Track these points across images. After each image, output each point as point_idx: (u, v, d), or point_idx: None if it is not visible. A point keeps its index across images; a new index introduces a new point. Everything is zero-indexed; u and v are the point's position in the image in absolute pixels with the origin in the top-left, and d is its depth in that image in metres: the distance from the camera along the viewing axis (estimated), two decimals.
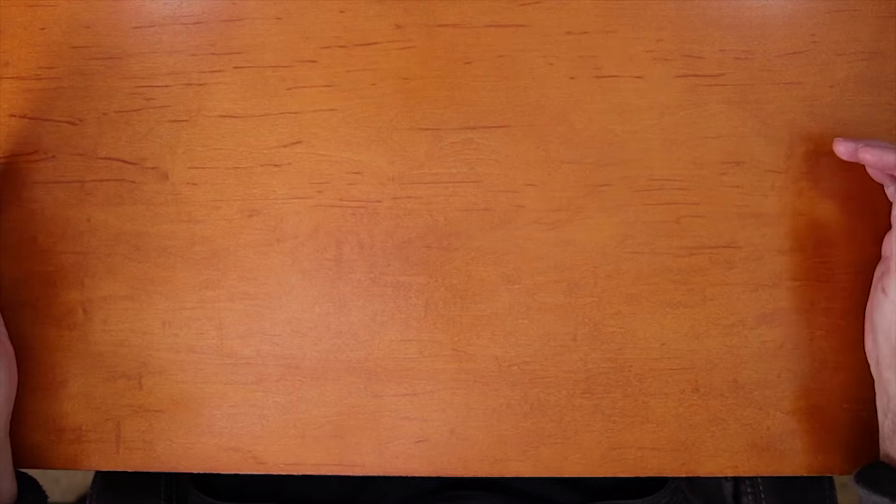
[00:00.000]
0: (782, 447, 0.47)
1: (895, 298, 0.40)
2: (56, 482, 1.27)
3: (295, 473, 0.46)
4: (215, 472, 0.47)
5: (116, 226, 0.46)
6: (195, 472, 0.48)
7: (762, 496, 0.51)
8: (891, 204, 0.42)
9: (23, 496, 0.43)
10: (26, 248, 0.46)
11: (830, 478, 0.51)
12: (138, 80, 0.45)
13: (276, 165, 0.46)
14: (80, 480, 1.27)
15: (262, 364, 0.47)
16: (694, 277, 0.46)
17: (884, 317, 0.41)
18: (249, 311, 0.46)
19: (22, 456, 0.47)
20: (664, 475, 0.46)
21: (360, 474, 0.46)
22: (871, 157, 0.39)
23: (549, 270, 0.46)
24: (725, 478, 0.53)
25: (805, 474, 0.47)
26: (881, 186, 0.45)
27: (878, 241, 0.45)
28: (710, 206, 0.45)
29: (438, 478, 0.44)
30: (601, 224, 0.46)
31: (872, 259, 0.45)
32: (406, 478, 0.46)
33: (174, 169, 0.46)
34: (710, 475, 0.45)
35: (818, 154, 0.45)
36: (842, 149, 0.41)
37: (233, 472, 0.47)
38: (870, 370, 0.46)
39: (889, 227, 0.42)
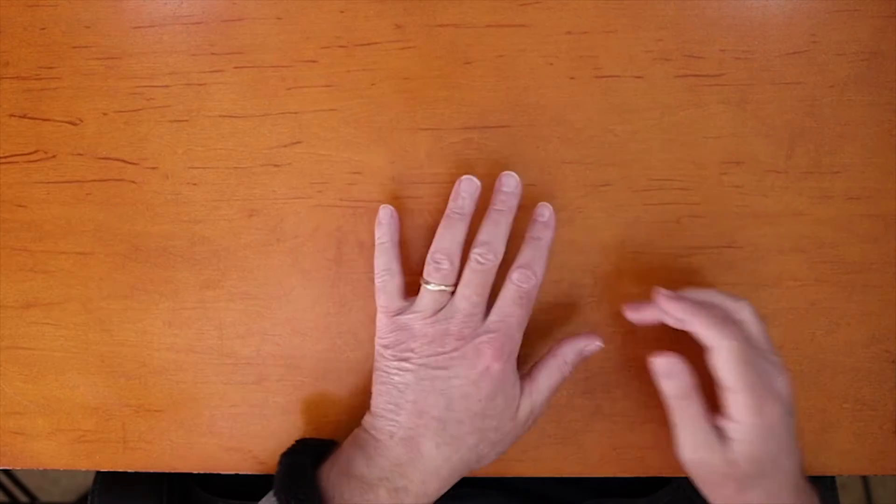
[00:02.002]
0: None
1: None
2: (56, 482, 1.27)
3: None
4: (215, 472, 0.47)
5: (116, 226, 0.46)
6: (196, 472, 0.48)
7: None
8: None
9: None
10: (26, 248, 0.46)
11: (831, 478, 0.51)
12: (138, 80, 0.45)
13: (276, 165, 0.46)
14: (81, 480, 1.27)
15: (262, 364, 0.47)
16: (694, 277, 0.46)
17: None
18: (249, 311, 0.46)
19: (23, 456, 0.48)
20: (664, 475, 0.46)
21: None
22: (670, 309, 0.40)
23: (549, 270, 0.46)
24: None
25: (805, 474, 0.47)
26: (883, 186, 0.45)
27: (878, 242, 0.45)
28: (710, 206, 0.45)
29: None
30: (601, 224, 0.46)
31: (873, 259, 0.45)
32: None
33: (174, 169, 0.46)
34: None
35: (818, 154, 0.45)
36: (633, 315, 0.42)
37: (233, 473, 0.47)
38: (871, 371, 0.46)
39: None
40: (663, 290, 0.41)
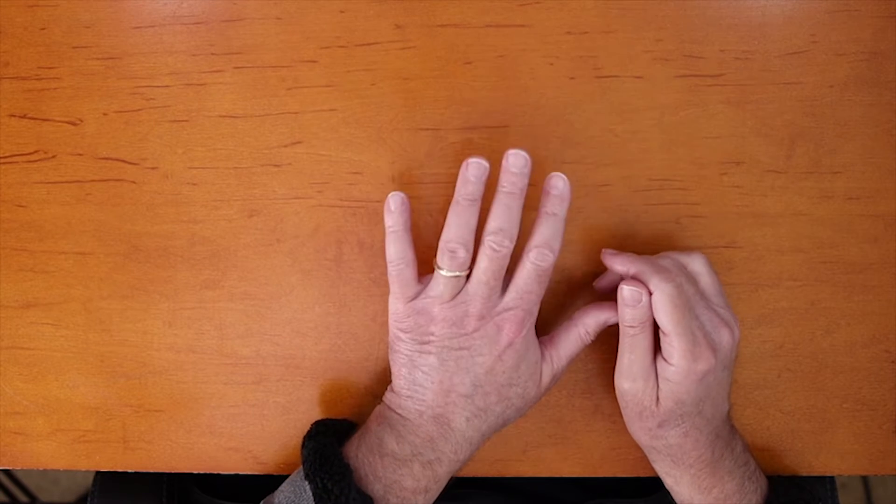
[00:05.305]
0: (782, 447, 0.47)
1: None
2: (56, 482, 1.27)
3: None
4: (215, 472, 0.47)
5: (116, 226, 0.46)
6: (195, 472, 0.48)
7: None
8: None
9: None
10: (26, 248, 0.46)
11: (831, 478, 0.51)
12: (138, 80, 0.45)
13: (276, 165, 0.46)
14: (80, 481, 1.27)
15: (263, 364, 0.47)
16: None
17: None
18: (249, 311, 0.46)
19: (23, 456, 0.48)
20: None
21: None
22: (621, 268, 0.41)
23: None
24: None
25: (805, 474, 0.47)
26: (883, 186, 0.45)
27: (878, 242, 0.45)
28: (710, 206, 0.45)
29: None
30: (601, 224, 0.45)
31: (873, 259, 0.45)
32: None
33: (174, 169, 0.46)
34: None
35: (818, 154, 0.45)
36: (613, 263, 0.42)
37: (233, 473, 0.47)
38: (871, 371, 0.46)
39: None
40: (608, 250, 0.43)
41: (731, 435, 0.42)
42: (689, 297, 0.39)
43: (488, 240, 0.40)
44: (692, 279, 0.41)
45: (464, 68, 0.45)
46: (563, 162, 0.45)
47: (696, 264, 0.42)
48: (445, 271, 0.41)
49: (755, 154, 0.45)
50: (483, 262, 0.40)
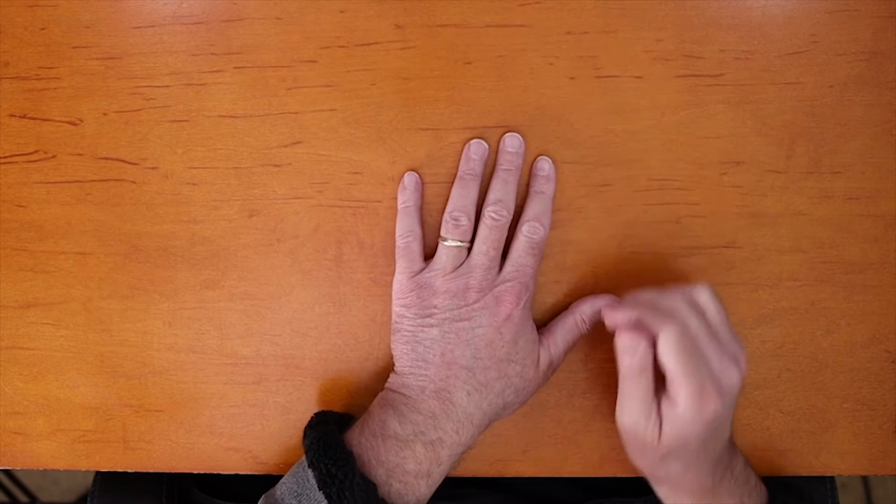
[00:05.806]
0: (782, 447, 0.47)
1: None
2: (56, 482, 1.27)
3: None
4: (215, 472, 0.47)
5: (116, 226, 0.46)
6: (195, 472, 0.48)
7: None
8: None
9: None
10: (26, 248, 0.46)
11: (831, 478, 0.51)
12: (138, 80, 0.45)
13: (276, 165, 0.46)
14: (80, 481, 1.27)
15: (263, 364, 0.47)
16: (694, 277, 0.46)
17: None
18: (250, 311, 0.46)
19: (23, 456, 0.48)
20: None
21: None
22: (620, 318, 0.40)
23: (549, 270, 0.46)
24: None
25: (805, 474, 0.47)
26: (883, 186, 0.45)
27: (878, 242, 0.45)
28: (710, 206, 0.45)
29: None
30: (601, 224, 0.45)
31: (873, 259, 0.45)
32: None
33: (174, 169, 0.46)
34: None
35: (818, 154, 0.45)
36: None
37: (233, 473, 0.47)
38: (870, 370, 0.46)
39: None
40: (606, 306, 0.42)
41: (731, 456, 0.42)
42: (694, 337, 0.38)
43: (488, 210, 0.43)
44: (700, 313, 0.40)
45: (464, 68, 0.45)
46: (563, 162, 0.45)
47: (702, 297, 0.40)
48: (449, 241, 0.43)
49: (755, 154, 0.45)
50: (483, 231, 0.43)
